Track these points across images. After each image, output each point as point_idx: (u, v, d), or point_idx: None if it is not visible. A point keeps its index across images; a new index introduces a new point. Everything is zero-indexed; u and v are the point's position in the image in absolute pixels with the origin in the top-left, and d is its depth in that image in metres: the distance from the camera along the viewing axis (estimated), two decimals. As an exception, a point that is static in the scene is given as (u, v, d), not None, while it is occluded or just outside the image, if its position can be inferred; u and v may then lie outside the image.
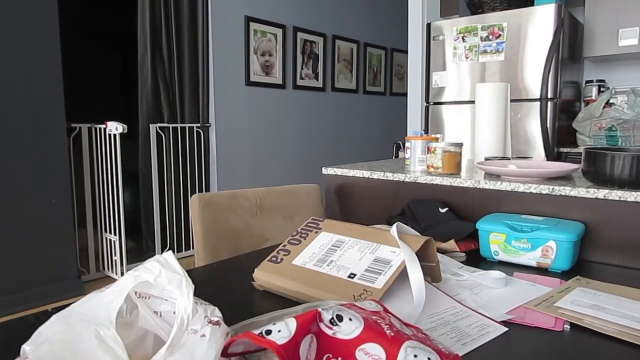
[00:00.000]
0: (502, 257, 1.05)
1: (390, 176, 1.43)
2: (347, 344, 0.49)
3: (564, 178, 1.26)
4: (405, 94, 4.46)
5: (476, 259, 1.07)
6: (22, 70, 2.50)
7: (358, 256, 0.82)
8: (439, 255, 0.98)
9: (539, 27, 2.49)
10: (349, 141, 4.86)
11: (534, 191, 1.16)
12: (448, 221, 1.20)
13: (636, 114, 2.45)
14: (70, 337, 0.51)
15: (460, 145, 1.39)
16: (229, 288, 0.88)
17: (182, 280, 0.54)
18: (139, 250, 3.45)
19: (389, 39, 5.21)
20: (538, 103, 2.53)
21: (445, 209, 1.24)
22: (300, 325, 0.48)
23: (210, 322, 0.51)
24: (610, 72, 3.03)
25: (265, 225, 1.39)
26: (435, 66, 2.89)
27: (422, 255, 0.83)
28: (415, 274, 0.75)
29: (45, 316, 0.57)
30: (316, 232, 0.91)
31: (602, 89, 2.92)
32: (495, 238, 1.05)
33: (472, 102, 2.75)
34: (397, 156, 3.22)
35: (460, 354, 0.60)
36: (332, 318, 0.50)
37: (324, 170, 1.62)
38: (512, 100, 2.55)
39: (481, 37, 2.68)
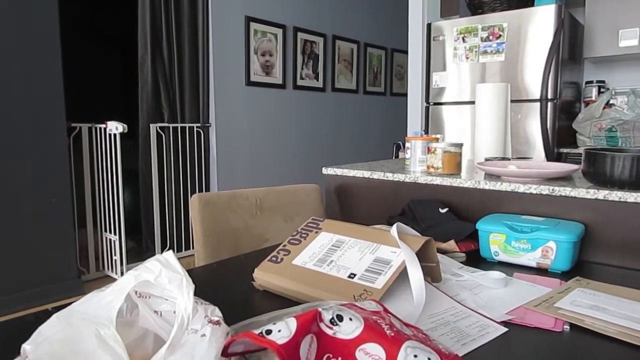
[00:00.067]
0: (502, 257, 1.05)
1: (390, 176, 1.43)
2: (347, 344, 0.49)
3: (564, 179, 1.26)
4: (406, 94, 4.46)
5: (476, 260, 1.07)
6: (22, 70, 2.50)
7: (358, 256, 0.82)
8: (439, 256, 0.98)
9: (539, 27, 2.49)
10: (349, 141, 4.86)
11: (534, 192, 1.16)
12: (448, 221, 1.20)
13: (636, 114, 2.45)
14: (70, 336, 0.51)
15: (460, 145, 1.39)
16: (229, 288, 0.88)
17: (183, 279, 0.54)
18: (139, 250, 3.45)
19: (389, 39, 5.21)
20: (538, 104, 2.53)
21: (446, 210, 1.24)
22: (300, 325, 0.48)
23: (210, 321, 0.51)
24: (610, 73, 3.03)
25: (265, 225, 1.39)
26: (435, 66, 2.90)
27: (422, 255, 0.84)
28: (416, 274, 0.75)
29: (45, 315, 0.57)
30: (316, 232, 0.91)
31: (602, 89, 2.92)
32: (495, 238, 1.05)
33: (473, 102, 2.75)
34: (397, 156, 3.22)
35: (460, 354, 0.60)
36: (333, 318, 0.50)
37: (324, 171, 1.62)
38: (512, 101, 2.55)
39: (481, 38, 2.68)
